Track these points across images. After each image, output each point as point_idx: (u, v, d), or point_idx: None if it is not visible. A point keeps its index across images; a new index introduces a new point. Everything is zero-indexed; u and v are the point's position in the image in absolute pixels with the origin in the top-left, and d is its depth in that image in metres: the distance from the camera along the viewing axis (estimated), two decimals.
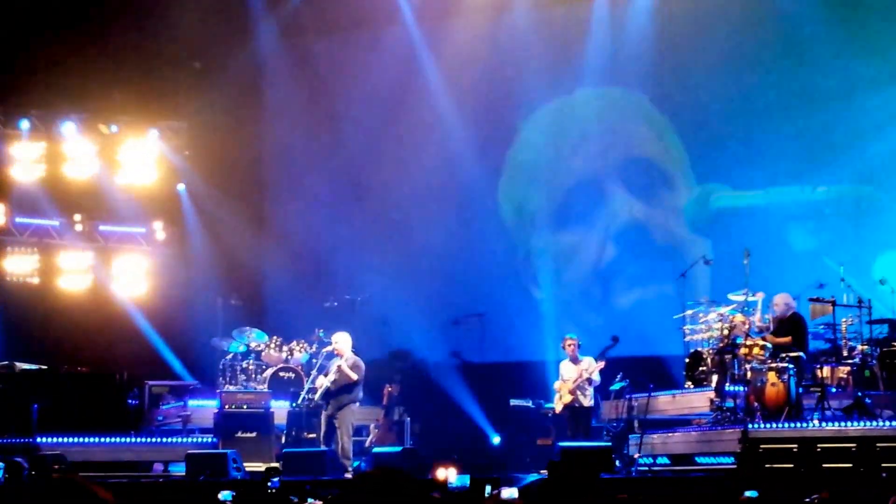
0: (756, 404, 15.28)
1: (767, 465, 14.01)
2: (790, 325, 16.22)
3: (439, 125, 22.30)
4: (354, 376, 16.35)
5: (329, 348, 17.05)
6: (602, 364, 16.96)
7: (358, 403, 16.75)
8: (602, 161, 21.82)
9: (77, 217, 21.97)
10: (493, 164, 22.58)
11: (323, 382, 16.45)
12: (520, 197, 22.65)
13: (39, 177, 21.78)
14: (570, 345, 17.04)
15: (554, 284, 22.04)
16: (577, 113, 22.05)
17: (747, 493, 9.22)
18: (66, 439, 15.91)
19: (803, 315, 16.42)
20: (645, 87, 21.46)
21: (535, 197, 22.57)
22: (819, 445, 13.91)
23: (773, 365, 15.30)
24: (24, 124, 21.50)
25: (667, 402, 17.50)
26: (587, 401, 16.90)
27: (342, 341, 16.72)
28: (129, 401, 18.46)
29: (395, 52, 22.50)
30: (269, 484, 13.66)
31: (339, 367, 16.33)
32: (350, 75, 22.89)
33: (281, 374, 18.68)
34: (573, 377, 16.87)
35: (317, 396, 16.58)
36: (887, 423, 14.23)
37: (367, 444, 18.78)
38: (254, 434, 17.17)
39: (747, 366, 15.55)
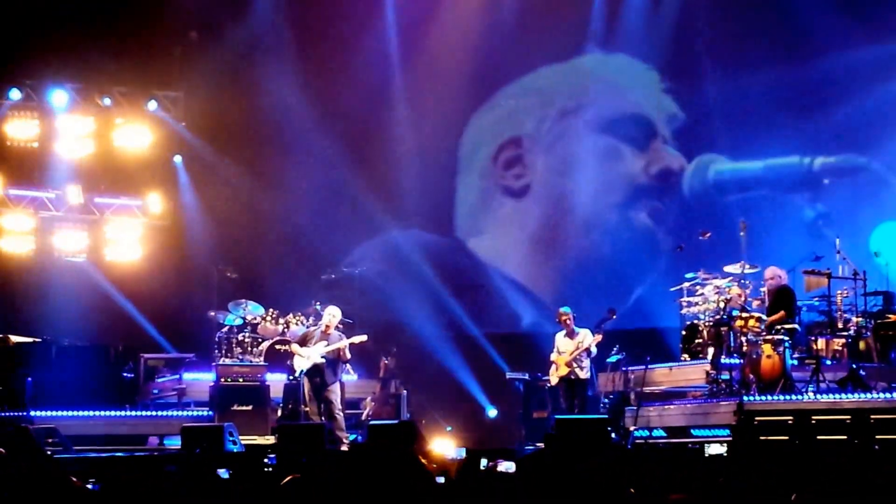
0: (751, 377, 15.30)
1: (762, 438, 14.01)
2: (779, 298, 16.24)
3: (439, 90, 22.21)
4: (349, 357, 16.46)
5: (325, 321, 16.96)
6: (600, 337, 16.91)
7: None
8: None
9: (72, 188, 21.85)
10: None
11: (308, 354, 16.29)
12: None
13: (34, 148, 21.66)
14: (564, 318, 16.98)
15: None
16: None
17: None
18: (60, 413, 15.92)
19: (794, 288, 16.43)
20: (648, 55, 21.53)
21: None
22: (814, 417, 13.90)
23: (769, 337, 15.32)
24: (17, 94, 21.33)
25: (663, 375, 17.50)
26: (583, 373, 16.86)
27: (338, 316, 16.71)
28: (125, 374, 18.46)
29: (392, 18, 22.40)
30: (265, 460, 13.66)
31: (343, 349, 16.26)
32: (348, 43, 22.73)
33: (277, 346, 18.56)
34: (569, 349, 16.83)
35: (305, 367, 16.34)
36: (881, 395, 14.24)
37: (363, 417, 18.76)
38: (250, 407, 17.11)
39: (743, 338, 15.57)
